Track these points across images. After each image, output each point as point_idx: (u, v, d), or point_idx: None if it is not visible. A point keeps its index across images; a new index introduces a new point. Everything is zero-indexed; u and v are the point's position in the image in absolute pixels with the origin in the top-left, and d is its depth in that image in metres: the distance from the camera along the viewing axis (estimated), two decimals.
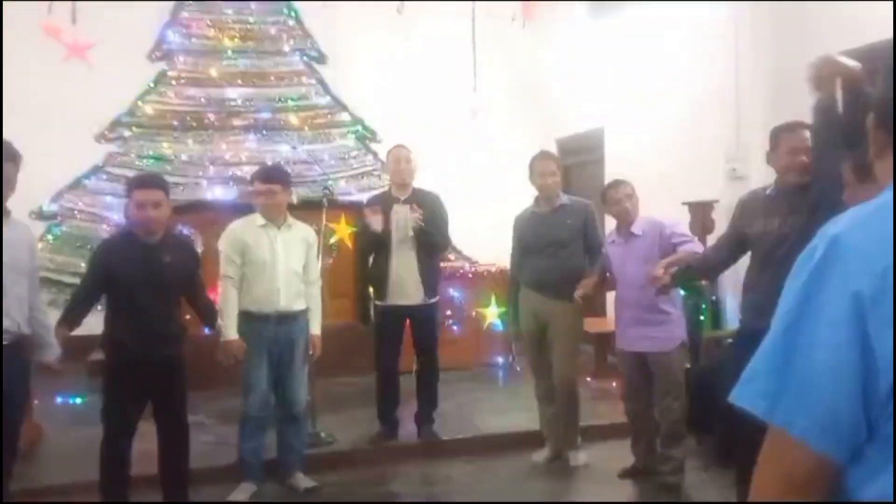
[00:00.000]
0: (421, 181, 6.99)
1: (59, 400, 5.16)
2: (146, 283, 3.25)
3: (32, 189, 5.92)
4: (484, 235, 6.46)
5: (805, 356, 0.83)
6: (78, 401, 5.17)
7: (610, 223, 4.34)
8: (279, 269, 3.74)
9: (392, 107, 6.90)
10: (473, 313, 6.36)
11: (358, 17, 6.63)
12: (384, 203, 4.37)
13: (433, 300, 4.42)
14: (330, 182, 5.89)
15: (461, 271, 6.65)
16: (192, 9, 6.76)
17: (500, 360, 6.36)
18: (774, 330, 0.86)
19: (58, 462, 4.08)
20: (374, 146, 7.08)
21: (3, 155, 2.81)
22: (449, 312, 6.32)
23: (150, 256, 3.29)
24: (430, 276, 4.38)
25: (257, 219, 3.79)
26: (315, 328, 3.92)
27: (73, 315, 3.31)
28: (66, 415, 4.92)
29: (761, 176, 4.09)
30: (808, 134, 2.91)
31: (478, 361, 6.24)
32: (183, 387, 3.47)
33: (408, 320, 4.42)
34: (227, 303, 3.68)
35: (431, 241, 4.33)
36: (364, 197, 6.74)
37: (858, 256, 0.81)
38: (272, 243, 3.75)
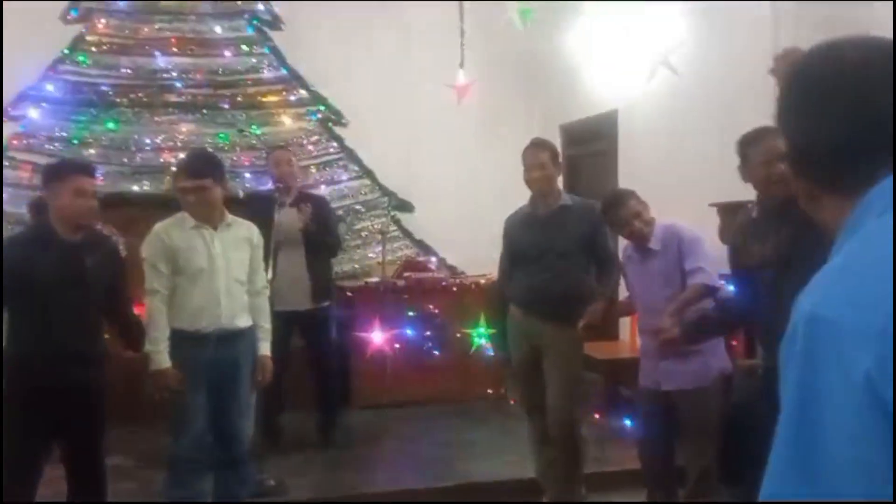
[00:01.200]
0: (395, 176, 7.07)
1: None
2: (62, 289, 3.24)
3: None
4: (471, 241, 6.49)
5: (826, 462, 0.82)
6: None
7: None
8: (219, 278, 3.72)
9: (361, 83, 6.91)
10: (458, 335, 6.36)
11: None
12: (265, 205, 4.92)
13: (324, 304, 5.18)
14: None
15: (443, 284, 6.66)
16: None
17: (489, 391, 6.36)
18: (784, 437, 0.87)
19: None
20: (339, 131, 7.07)
21: None
22: (428, 333, 6.34)
23: (69, 257, 3.28)
24: (320, 279, 5.10)
25: (188, 218, 3.75)
26: (264, 348, 3.91)
27: None
28: None
29: None
30: (779, 140, 2.94)
31: (464, 394, 6.23)
32: (101, 421, 3.45)
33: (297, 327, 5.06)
34: (156, 322, 3.64)
35: (322, 241, 5.09)
36: (327, 191, 6.84)
37: (848, 329, 0.82)
38: (208, 247, 3.73)
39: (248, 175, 6.37)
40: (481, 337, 6.26)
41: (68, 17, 6.55)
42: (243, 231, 3.89)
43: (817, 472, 0.83)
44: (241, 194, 6.04)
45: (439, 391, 6.15)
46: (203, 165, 3.84)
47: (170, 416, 3.74)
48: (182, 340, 3.68)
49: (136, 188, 6.49)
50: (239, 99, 6.86)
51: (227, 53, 6.88)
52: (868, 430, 0.79)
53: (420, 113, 7.00)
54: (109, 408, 3.53)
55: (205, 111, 6.78)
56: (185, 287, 3.69)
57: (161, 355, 3.61)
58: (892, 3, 3.61)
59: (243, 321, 3.81)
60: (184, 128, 6.72)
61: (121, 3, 6.71)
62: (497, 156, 6.76)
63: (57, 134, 6.50)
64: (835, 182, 0.98)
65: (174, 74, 6.75)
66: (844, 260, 0.90)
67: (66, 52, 6.53)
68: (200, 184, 3.69)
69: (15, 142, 6.41)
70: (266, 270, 4.13)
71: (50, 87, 6.48)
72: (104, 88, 6.59)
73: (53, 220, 3.37)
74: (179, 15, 6.82)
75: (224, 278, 3.73)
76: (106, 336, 3.65)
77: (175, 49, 6.77)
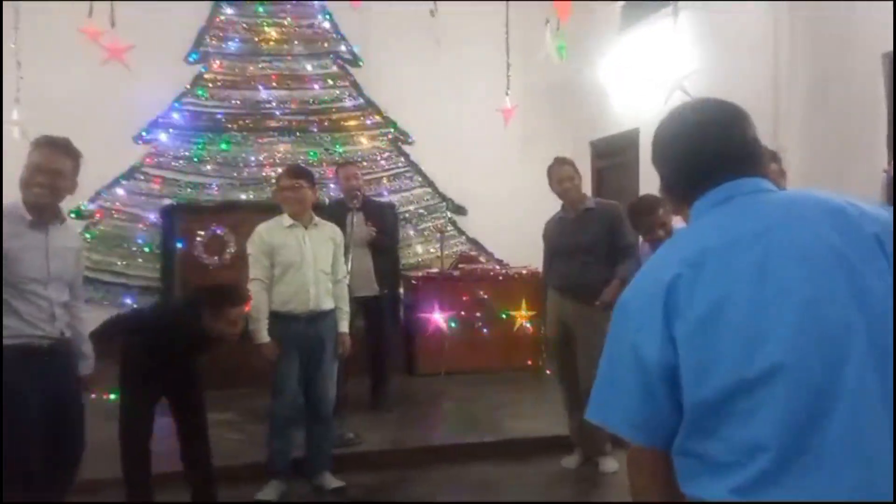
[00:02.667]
0: (452, 185, 7.05)
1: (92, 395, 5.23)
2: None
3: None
4: (515, 239, 6.43)
5: (613, 377, 1.20)
6: (112, 396, 5.24)
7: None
8: (308, 269, 3.76)
9: (425, 109, 6.90)
10: (503, 315, 6.33)
11: (391, 18, 6.63)
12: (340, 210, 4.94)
13: (385, 291, 5.22)
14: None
15: (491, 274, 6.64)
16: (228, 12, 6.83)
17: (529, 363, 6.31)
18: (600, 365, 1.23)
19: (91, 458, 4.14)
20: (406, 148, 7.11)
21: (64, 152, 2.81)
22: (478, 314, 6.33)
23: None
24: (382, 271, 5.16)
25: (284, 219, 3.82)
26: (343, 326, 3.95)
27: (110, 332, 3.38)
28: (100, 410, 4.99)
29: (797, 179, 3.99)
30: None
31: (508, 365, 6.21)
32: (194, 378, 3.46)
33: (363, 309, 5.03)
34: (258, 305, 3.69)
35: (382, 242, 5.15)
36: (396, 198, 6.88)
37: (634, 312, 1.16)
38: (300, 243, 3.78)
39: (332, 186, 6.42)
40: (522, 318, 6.22)
41: (190, 60, 6.70)
42: (328, 231, 3.95)
43: (608, 387, 1.21)
44: (326, 202, 6.10)
45: (488, 362, 6.13)
46: (300, 171, 4.03)
47: (270, 381, 3.80)
48: (279, 319, 3.74)
49: (243, 197, 6.61)
50: (325, 124, 6.93)
51: (316, 86, 6.96)
52: (635, 373, 1.13)
53: (473, 132, 6.94)
54: (220, 374, 3.58)
55: (298, 134, 6.87)
56: (281, 276, 3.76)
57: (262, 332, 3.68)
58: (892, 2, 3.47)
59: (328, 304, 3.86)
60: (281, 148, 6.82)
61: (231, 47, 6.83)
62: (537, 168, 6.65)
63: (181, 153, 6.64)
64: (685, 200, 1.25)
65: (274, 104, 6.85)
66: (648, 265, 1.22)
67: (188, 87, 6.68)
68: (298, 183, 3.81)
69: (148, 160, 6.58)
70: (345, 264, 4.16)
71: (176, 116, 6.62)
72: (218, 116, 6.72)
73: None
74: (278, 56, 6.92)
75: (313, 269, 3.78)
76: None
77: (275, 83, 6.88)
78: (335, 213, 5.05)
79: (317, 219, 3.91)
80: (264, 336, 3.68)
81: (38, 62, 5.49)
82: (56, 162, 2.78)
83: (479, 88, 6.76)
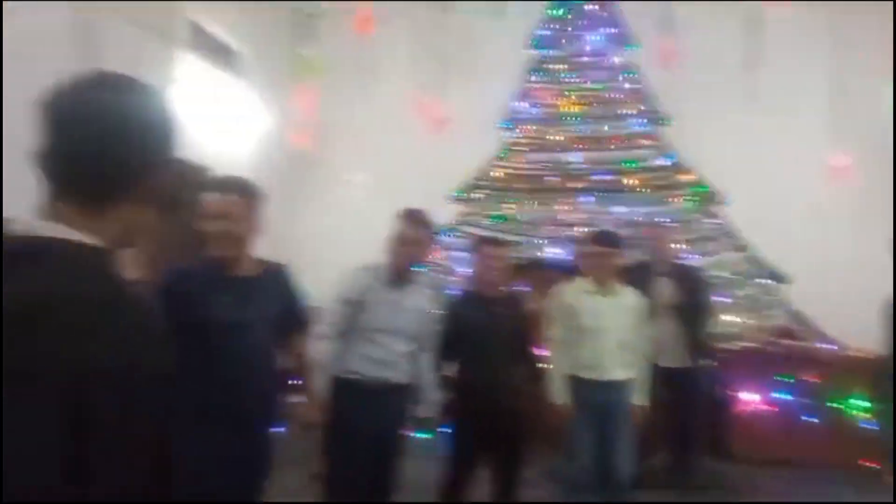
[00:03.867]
0: (771, 249, 6.42)
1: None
2: (487, 334, 3.46)
3: None
4: (849, 314, 5.57)
5: None
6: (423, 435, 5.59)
7: None
8: (605, 337, 3.68)
9: (739, 167, 6.43)
10: (833, 404, 5.48)
11: (703, 74, 6.36)
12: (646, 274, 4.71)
13: (692, 364, 4.73)
14: None
15: (821, 353, 5.82)
16: (539, 80, 7.16)
17: (864, 463, 5.33)
18: None
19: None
20: (718, 209, 6.66)
21: (422, 224, 3.25)
22: (801, 399, 5.56)
23: (489, 310, 3.48)
24: (690, 341, 4.73)
25: (586, 283, 3.78)
26: (639, 397, 3.78)
27: (437, 365, 3.59)
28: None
29: None
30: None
31: (835, 462, 5.31)
32: (522, 437, 3.57)
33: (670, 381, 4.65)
34: (556, 365, 3.70)
35: (690, 309, 4.74)
36: (707, 261, 6.44)
37: None
38: (599, 309, 3.72)
39: (637, 248, 6.21)
40: (859, 409, 5.31)
41: (501, 126, 7.12)
42: (629, 299, 3.84)
43: None
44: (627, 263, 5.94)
45: (810, 455, 5.31)
46: (607, 238, 3.93)
47: (563, 444, 3.74)
48: (574, 383, 3.68)
49: (544, 255, 6.74)
50: (632, 182, 6.82)
51: (623, 147, 6.92)
52: None
53: (795, 192, 6.29)
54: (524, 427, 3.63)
55: (603, 194, 6.85)
56: (578, 341, 3.70)
57: (558, 392, 3.66)
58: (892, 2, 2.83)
59: (624, 374, 3.72)
60: (584, 208, 6.85)
61: (540, 112, 7.13)
62: (877, 233, 5.77)
63: (490, 213, 7.04)
64: None
65: (579, 165, 6.95)
66: None
67: (500, 151, 7.09)
68: (604, 251, 3.75)
69: (461, 218, 7.08)
70: (646, 332, 3.98)
71: (487, 177, 7.06)
72: (526, 178, 7.01)
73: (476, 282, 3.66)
74: (583, 118, 7.04)
75: (610, 338, 3.69)
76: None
77: (580, 145, 6.99)
78: (640, 276, 4.87)
79: (618, 286, 3.82)
80: (559, 396, 3.65)
81: (376, 131, 6.29)
82: (414, 230, 3.20)
83: (802, 144, 6.12)
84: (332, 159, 6.58)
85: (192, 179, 4.76)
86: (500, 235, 5.89)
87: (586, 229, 6.43)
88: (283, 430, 3.18)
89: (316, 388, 2.92)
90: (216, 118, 5.66)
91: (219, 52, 5.93)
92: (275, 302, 2.57)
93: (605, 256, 3.74)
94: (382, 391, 3.15)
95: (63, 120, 0.99)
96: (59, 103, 0.99)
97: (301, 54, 5.61)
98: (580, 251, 4.03)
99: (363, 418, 3.09)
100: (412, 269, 3.33)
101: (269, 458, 2.58)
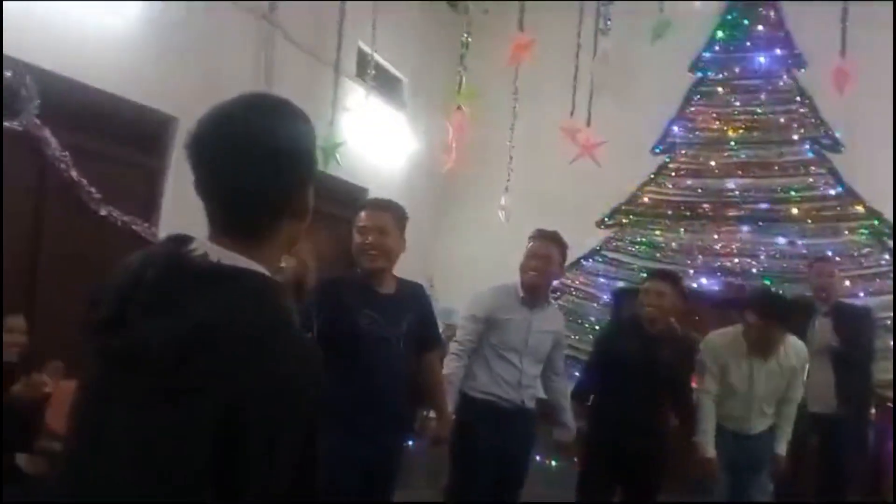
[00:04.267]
0: None
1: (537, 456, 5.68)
2: (640, 372, 3.43)
3: None
4: None
5: None
6: (552, 463, 5.62)
7: None
8: (753, 397, 3.55)
9: None
10: None
11: (880, 100, 5.89)
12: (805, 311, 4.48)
13: (845, 410, 4.44)
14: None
15: None
16: (700, 103, 6.96)
17: None
18: None
19: None
20: (891, 244, 6.13)
21: (553, 242, 3.37)
22: None
23: (649, 348, 3.46)
24: (845, 386, 4.43)
25: (741, 339, 3.58)
26: (779, 448, 3.61)
27: (582, 392, 3.65)
28: (539, 474, 5.39)
29: None
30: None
31: None
32: (657, 481, 3.53)
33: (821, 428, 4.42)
34: (706, 415, 3.56)
35: (849, 353, 4.44)
36: (876, 301, 5.94)
37: None
38: (751, 372, 3.55)
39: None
40: None
41: (655, 151, 6.99)
42: (791, 359, 3.58)
43: None
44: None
45: None
46: (786, 308, 3.64)
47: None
48: (721, 437, 3.56)
49: (694, 285, 6.51)
50: (794, 212, 6.44)
51: (787, 174, 6.55)
52: None
53: None
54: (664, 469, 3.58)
55: (760, 223, 6.53)
56: (727, 395, 3.58)
57: (708, 445, 3.52)
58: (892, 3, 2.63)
59: (764, 426, 3.59)
60: (740, 237, 6.56)
61: (699, 136, 6.91)
62: None
63: (639, 239, 6.92)
64: None
65: (737, 192, 6.67)
66: None
67: (651, 176, 6.96)
68: (773, 326, 3.49)
69: (608, 244, 7.02)
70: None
71: (637, 204, 6.96)
72: (678, 204, 6.82)
73: (640, 312, 3.57)
74: (747, 144, 6.74)
75: (758, 398, 3.56)
76: None
77: (740, 172, 6.70)
78: (799, 314, 4.57)
79: (777, 348, 3.57)
80: (710, 450, 3.50)
81: (525, 156, 6.41)
82: (546, 249, 3.30)
83: None
84: (479, 183, 6.79)
85: (350, 198, 5.14)
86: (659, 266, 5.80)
87: (737, 260, 6.20)
88: (415, 443, 3.39)
89: (446, 406, 3.03)
90: (376, 143, 6.05)
91: (383, 81, 6.35)
92: (412, 320, 2.74)
93: (771, 330, 3.48)
94: (511, 412, 3.25)
95: (216, 152, 1.04)
96: (209, 135, 1.04)
97: (457, 81, 5.86)
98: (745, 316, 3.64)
99: (490, 437, 3.20)
100: (546, 289, 3.40)
101: (397, 468, 2.76)
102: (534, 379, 3.38)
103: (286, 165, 1.05)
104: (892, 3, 5.53)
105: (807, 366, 3.67)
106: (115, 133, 3.61)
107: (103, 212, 3.64)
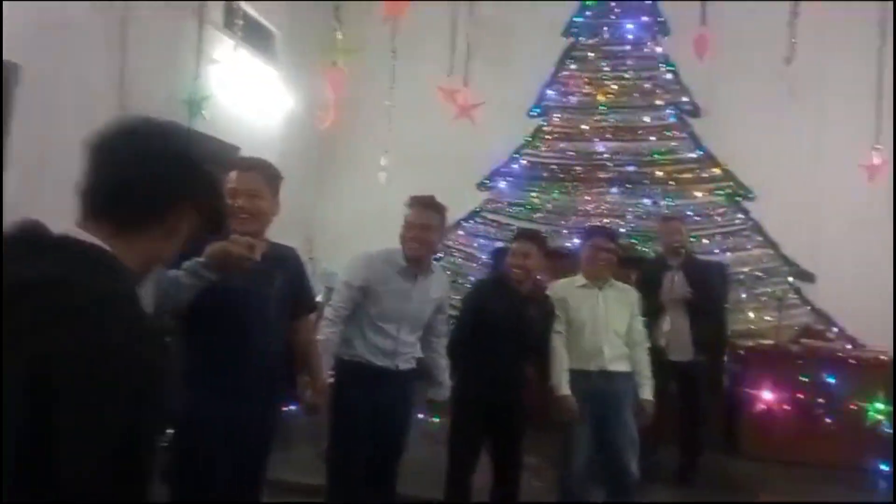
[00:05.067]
0: (797, 247, 6.38)
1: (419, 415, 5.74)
2: (506, 328, 3.50)
3: None
4: (873, 315, 5.56)
5: None
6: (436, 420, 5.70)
7: None
8: (600, 329, 3.75)
9: (771, 163, 6.37)
10: (852, 406, 5.45)
11: (738, 68, 6.29)
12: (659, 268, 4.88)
13: (701, 358, 4.76)
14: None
15: (840, 353, 5.78)
16: (572, 67, 7.14)
17: (883, 468, 5.32)
18: None
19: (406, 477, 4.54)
20: (746, 205, 6.63)
21: (429, 208, 3.27)
22: (821, 401, 5.54)
23: (515, 304, 3.54)
24: (701, 336, 4.73)
25: (580, 279, 3.86)
26: (645, 392, 3.78)
27: (454, 350, 3.64)
28: (423, 431, 5.46)
29: None
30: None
31: (850, 463, 5.30)
32: (520, 427, 3.63)
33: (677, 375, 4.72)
34: (555, 356, 3.72)
35: (702, 305, 4.76)
36: (732, 257, 6.43)
37: None
38: (595, 303, 3.78)
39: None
40: (878, 413, 5.29)
41: (531, 114, 7.13)
42: (622, 292, 3.90)
43: None
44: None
45: (824, 456, 5.29)
46: (605, 233, 4.11)
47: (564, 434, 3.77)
48: (575, 376, 3.71)
49: (568, 245, 6.76)
50: (659, 174, 6.80)
51: (652, 138, 6.89)
52: None
53: (827, 190, 6.22)
54: (527, 419, 3.69)
55: (628, 185, 6.85)
56: (575, 334, 3.76)
57: (561, 384, 3.67)
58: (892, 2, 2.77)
59: (622, 366, 3.77)
60: (609, 199, 6.87)
61: (571, 100, 7.11)
62: None
63: (515, 200, 7.08)
64: None
65: (606, 156, 6.95)
66: None
67: (528, 139, 7.11)
68: (600, 246, 3.85)
69: (487, 205, 7.14)
70: (658, 326, 4.02)
71: (514, 166, 7.10)
72: (553, 167, 7.02)
73: (508, 271, 3.63)
74: (616, 108, 7.01)
75: (603, 326, 3.75)
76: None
77: (609, 136, 6.97)
78: (653, 270, 4.91)
79: (612, 280, 3.89)
80: (565, 389, 3.65)
81: (404, 115, 6.35)
82: (426, 218, 3.24)
83: (838, 141, 6.04)
84: (358, 142, 6.68)
85: (221, 157, 4.89)
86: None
87: (606, 220, 6.49)
88: (292, 408, 3.31)
89: (320, 372, 2.95)
90: (248, 99, 5.78)
91: (253, 34, 6.05)
92: (282, 282, 2.65)
93: (599, 251, 3.80)
94: (386, 375, 3.22)
95: (104, 161, 1.15)
96: (102, 146, 1.16)
97: (332, 36, 5.68)
98: (584, 244, 4.04)
99: (365, 399, 3.16)
100: (428, 258, 3.35)
101: (272, 429, 2.69)
102: (411, 346, 3.32)
103: (156, 180, 1.15)
104: None
105: (638, 302, 3.93)
106: None
107: None
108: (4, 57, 3.62)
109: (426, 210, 3.26)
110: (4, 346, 0.89)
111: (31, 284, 0.94)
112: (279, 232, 2.77)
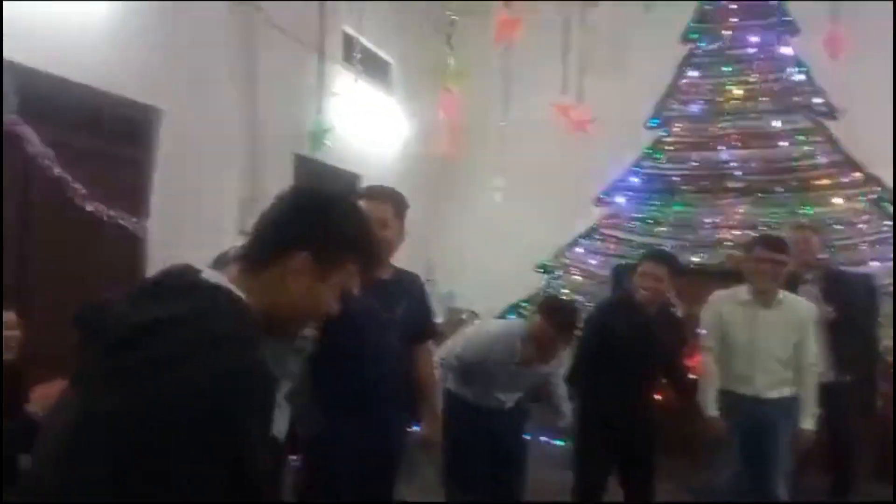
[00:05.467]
0: None
1: (542, 438, 5.67)
2: (634, 348, 3.39)
3: (538, 247, 6.83)
4: None
5: None
6: (559, 443, 5.61)
7: None
8: (758, 352, 3.47)
9: None
10: None
11: (878, 66, 5.84)
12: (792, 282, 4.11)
13: (846, 377, 4.31)
14: None
15: None
16: (692, 74, 6.89)
17: None
18: None
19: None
20: (891, 209, 6.10)
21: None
22: None
23: (642, 324, 3.42)
24: (842, 353, 4.28)
25: (742, 293, 3.55)
26: (803, 421, 3.46)
27: (576, 375, 3.60)
28: (546, 454, 5.38)
29: None
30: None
31: None
32: (651, 450, 3.51)
33: None
34: (709, 376, 3.52)
35: (844, 318, 4.24)
36: (880, 267, 5.91)
37: None
38: (754, 322, 3.49)
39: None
40: None
41: (649, 125, 6.92)
42: (794, 309, 3.53)
43: None
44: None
45: None
46: (779, 243, 3.59)
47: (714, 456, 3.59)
48: (727, 398, 3.50)
49: (695, 260, 6.48)
50: (793, 183, 6.38)
51: (784, 144, 6.49)
52: None
53: None
54: (664, 441, 3.56)
55: (760, 195, 6.48)
56: (729, 353, 3.54)
57: (707, 404, 3.48)
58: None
59: (779, 392, 3.49)
60: (740, 209, 6.52)
61: (693, 109, 6.86)
62: None
63: (637, 215, 6.88)
64: None
65: (734, 164, 6.62)
66: None
67: (647, 151, 6.91)
68: (775, 258, 3.47)
69: (605, 221, 6.98)
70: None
71: (633, 180, 6.91)
72: (675, 178, 6.77)
73: (633, 292, 3.51)
74: (742, 114, 6.68)
75: (761, 351, 3.47)
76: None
77: (737, 143, 6.64)
78: (787, 284, 4.58)
79: (782, 294, 3.53)
80: (712, 408, 3.46)
81: (518, 135, 6.36)
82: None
83: None
84: (474, 164, 6.74)
85: (342, 185, 5.08)
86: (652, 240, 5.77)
87: (736, 232, 6.17)
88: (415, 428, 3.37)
89: (437, 406, 2.95)
90: (366, 128, 5.99)
91: (370, 64, 6.28)
92: (407, 307, 2.68)
93: (771, 263, 3.43)
94: (497, 409, 3.26)
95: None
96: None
97: (444, 62, 5.80)
98: (743, 256, 3.70)
99: (480, 434, 3.21)
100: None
101: (399, 454, 2.74)
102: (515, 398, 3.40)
103: (281, 222, 1.21)
104: None
105: (813, 320, 3.57)
106: (99, 128, 3.55)
107: (90, 207, 3.58)
108: (151, 103, 3.94)
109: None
110: (128, 377, 0.97)
111: (155, 322, 1.00)
112: (400, 255, 2.82)
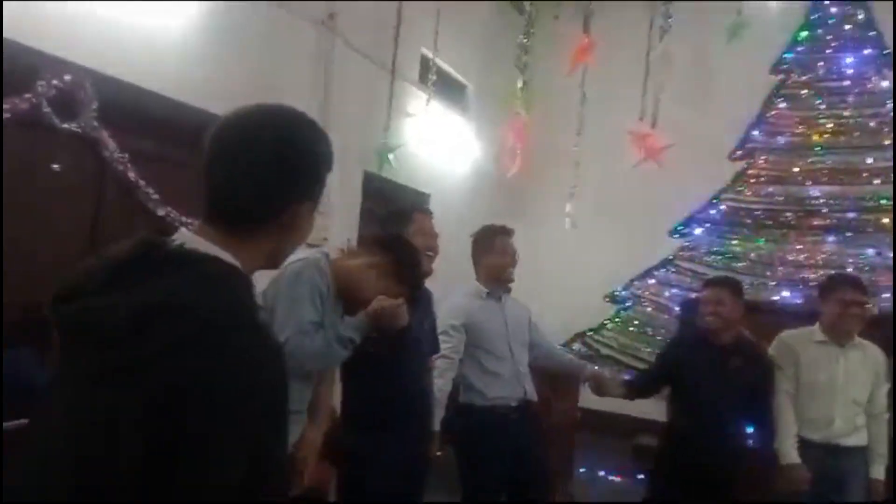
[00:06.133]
0: None
1: (601, 473, 5.47)
2: (710, 383, 3.23)
3: (608, 276, 6.64)
4: None
5: None
6: (616, 479, 5.41)
7: None
8: (836, 395, 3.25)
9: None
10: None
11: None
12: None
13: None
14: None
15: None
16: (782, 106, 6.60)
17: None
18: None
19: None
20: None
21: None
22: None
23: (717, 358, 3.27)
24: None
25: (816, 333, 3.37)
26: (877, 471, 3.27)
27: (636, 386, 3.57)
28: (602, 489, 5.19)
29: None
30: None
31: None
32: (731, 493, 3.30)
33: None
34: (785, 419, 3.30)
35: None
36: None
37: None
38: (834, 363, 3.30)
39: (884, 295, 5.47)
40: None
41: (733, 157, 6.65)
42: (871, 353, 3.34)
43: None
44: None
45: None
46: (863, 285, 3.40)
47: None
48: (807, 448, 3.27)
49: (775, 298, 6.15)
50: (885, 221, 6.00)
51: (877, 181, 6.12)
52: None
53: None
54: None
55: (848, 234, 6.11)
56: (804, 397, 3.32)
57: (790, 451, 3.25)
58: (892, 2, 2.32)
59: (855, 440, 3.27)
60: (825, 248, 6.16)
61: (780, 141, 6.56)
62: None
63: (714, 249, 6.61)
64: None
65: (821, 201, 6.28)
66: None
67: (728, 183, 6.64)
68: (860, 300, 3.29)
69: (681, 253, 6.73)
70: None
71: (713, 212, 6.65)
72: (757, 213, 6.48)
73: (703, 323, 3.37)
74: (832, 149, 6.34)
75: (841, 393, 3.26)
76: None
77: (825, 179, 6.31)
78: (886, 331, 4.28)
79: (857, 338, 3.35)
80: (793, 455, 3.23)
81: (592, 161, 6.22)
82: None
83: None
84: (547, 190, 6.65)
85: (412, 203, 5.13)
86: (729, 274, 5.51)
87: (821, 272, 5.83)
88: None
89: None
90: (439, 148, 6.00)
91: (446, 86, 6.31)
92: (428, 323, 2.80)
93: (848, 305, 3.25)
94: (515, 411, 3.19)
95: (222, 151, 1.07)
96: (221, 135, 1.08)
97: (518, 85, 5.77)
98: (832, 298, 3.40)
99: (499, 443, 3.13)
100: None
101: (428, 470, 2.77)
102: (527, 367, 3.28)
103: (280, 177, 1.06)
104: None
105: (886, 366, 3.35)
106: (173, 136, 3.66)
107: (161, 212, 3.69)
108: (223, 114, 4.07)
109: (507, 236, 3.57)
110: (132, 372, 0.88)
111: (153, 309, 0.91)
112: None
